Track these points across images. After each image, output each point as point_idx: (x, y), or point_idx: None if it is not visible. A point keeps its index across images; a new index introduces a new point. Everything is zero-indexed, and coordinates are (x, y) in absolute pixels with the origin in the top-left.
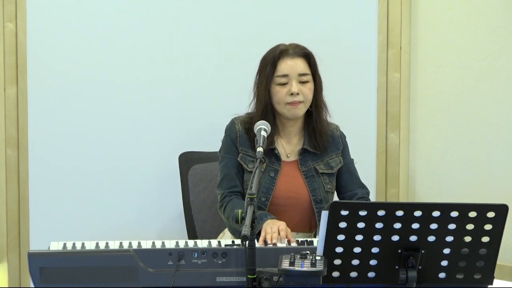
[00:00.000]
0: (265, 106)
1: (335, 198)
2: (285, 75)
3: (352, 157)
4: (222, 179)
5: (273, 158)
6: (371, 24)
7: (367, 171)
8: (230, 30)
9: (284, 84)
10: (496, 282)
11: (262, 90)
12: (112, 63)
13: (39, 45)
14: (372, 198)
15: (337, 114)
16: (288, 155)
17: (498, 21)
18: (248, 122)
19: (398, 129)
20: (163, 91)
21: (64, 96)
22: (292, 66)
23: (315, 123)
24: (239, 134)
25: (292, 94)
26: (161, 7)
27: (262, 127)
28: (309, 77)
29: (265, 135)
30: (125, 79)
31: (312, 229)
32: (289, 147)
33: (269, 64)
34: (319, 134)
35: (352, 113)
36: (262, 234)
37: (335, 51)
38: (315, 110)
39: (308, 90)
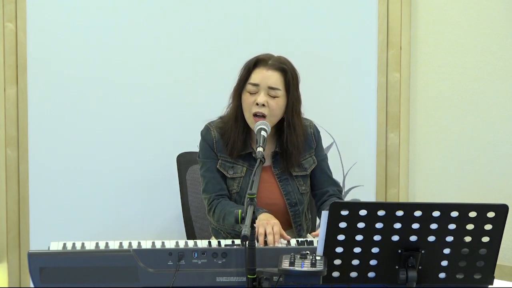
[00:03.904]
0: (236, 110)
1: None
2: (255, 84)
3: (325, 153)
4: (207, 183)
5: (252, 161)
6: (371, 24)
7: (367, 171)
8: (229, 31)
9: (253, 93)
10: (496, 282)
11: (235, 94)
12: (111, 64)
13: (39, 45)
14: (372, 198)
15: (337, 114)
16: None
17: (498, 21)
18: (222, 127)
19: (398, 129)
20: (161, 92)
21: (64, 96)
22: (264, 77)
23: (286, 143)
24: (215, 140)
25: (257, 104)
26: (162, 8)
27: (262, 127)
28: (279, 93)
29: (265, 135)
30: (125, 80)
31: (292, 227)
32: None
33: (245, 70)
34: (290, 154)
35: (352, 113)
36: (256, 231)
37: (335, 50)
38: (287, 128)
39: (275, 105)
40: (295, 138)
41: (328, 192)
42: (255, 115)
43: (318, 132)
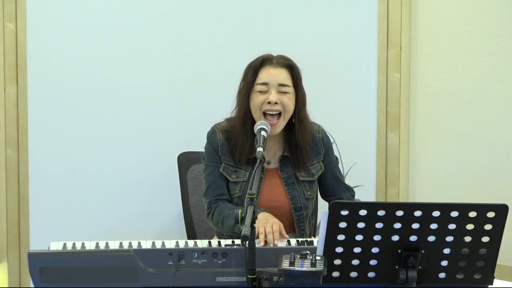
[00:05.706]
0: (245, 113)
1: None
2: (265, 83)
3: (337, 156)
4: (208, 188)
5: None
6: (371, 24)
7: (367, 171)
8: (230, 31)
9: (263, 92)
10: (496, 282)
11: (242, 97)
12: (111, 63)
13: (39, 45)
14: (372, 198)
15: (337, 114)
16: (269, 161)
17: (498, 21)
18: (228, 130)
19: (398, 129)
20: (162, 92)
21: (64, 96)
22: (273, 75)
23: (297, 139)
24: (220, 143)
25: (269, 102)
26: (162, 8)
27: (262, 127)
28: (289, 89)
29: (265, 135)
30: (125, 80)
31: (295, 231)
32: (269, 154)
33: (251, 71)
34: (300, 151)
35: (352, 113)
36: (256, 230)
37: (335, 51)
38: (298, 124)
39: (288, 101)
40: (305, 134)
41: (342, 199)
42: (267, 113)
43: (327, 137)
